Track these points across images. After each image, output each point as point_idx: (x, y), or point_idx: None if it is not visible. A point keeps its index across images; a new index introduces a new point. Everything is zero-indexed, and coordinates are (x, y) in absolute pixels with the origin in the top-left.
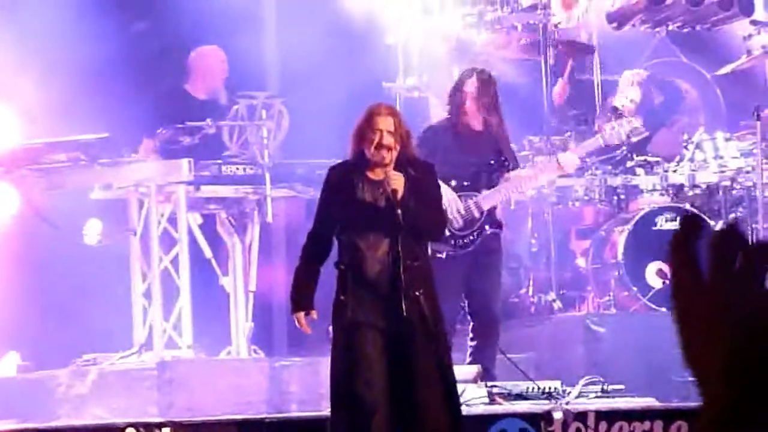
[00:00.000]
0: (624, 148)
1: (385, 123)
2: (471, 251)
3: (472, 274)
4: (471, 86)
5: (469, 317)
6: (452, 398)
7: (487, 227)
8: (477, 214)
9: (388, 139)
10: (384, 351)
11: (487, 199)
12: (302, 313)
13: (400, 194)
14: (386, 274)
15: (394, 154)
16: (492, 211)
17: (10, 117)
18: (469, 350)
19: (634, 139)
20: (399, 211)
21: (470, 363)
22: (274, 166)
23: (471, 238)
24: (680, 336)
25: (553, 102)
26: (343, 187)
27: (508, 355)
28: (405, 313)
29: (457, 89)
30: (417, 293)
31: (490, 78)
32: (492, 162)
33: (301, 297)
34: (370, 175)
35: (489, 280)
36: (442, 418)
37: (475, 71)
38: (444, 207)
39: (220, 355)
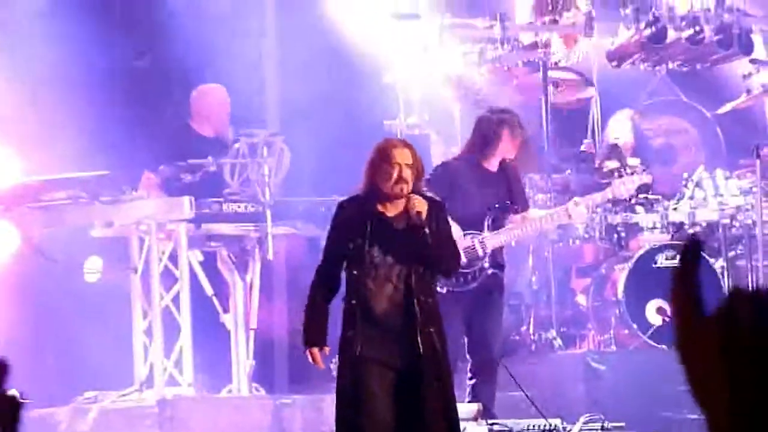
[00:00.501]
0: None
1: (403, 156)
2: (472, 290)
3: (473, 312)
4: (506, 128)
5: (468, 356)
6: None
7: (488, 266)
8: (480, 253)
9: (407, 172)
10: (391, 388)
11: (492, 239)
12: (316, 349)
13: (424, 216)
14: (395, 310)
15: (410, 187)
16: (496, 251)
17: (9, 155)
18: (468, 388)
19: (641, 196)
20: (427, 231)
21: (470, 401)
22: (275, 203)
23: (472, 276)
24: (684, 369)
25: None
26: (354, 222)
27: (511, 392)
28: (420, 350)
29: (491, 128)
30: (430, 329)
31: (520, 122)
32: (503, 203)
33: (314, 332)
34: (381, 209)
35: (489, 319)
36: None
37: (509, 114)
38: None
39: (222, 392)
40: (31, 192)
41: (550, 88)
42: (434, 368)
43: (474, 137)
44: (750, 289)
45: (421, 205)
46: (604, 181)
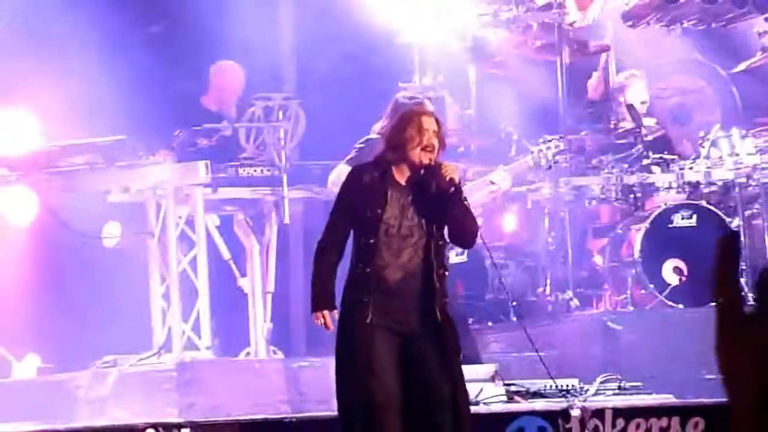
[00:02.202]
0: (639, 146)
1: (430, 123)
2: None
3: None
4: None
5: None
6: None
7: None
8: None
9: (434, 140)
10: (400, 357)
11: None
12: (326, 311)
13: (403, 179)
14: (411, 280)
15: (435, 156)
16: None
17: (27, 120)
18: None
19: (657, 156)
20: (464, 197)
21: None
22: (291, 167)
23: None
24: (720, 361)
25: (588, 95)
26: (371, 189)
27: (528, 353)
28: (439, 319)
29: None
30: (446, 300)
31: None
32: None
33: (323, 296)
34: (399, 177)
35: None
36: (455, 423)
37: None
38: None
39: (239, 355)
40: (48, 158)
41: (565, 49)
42: (453, 338)
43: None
44: None
45: (453, 172)
46: (620, 141)
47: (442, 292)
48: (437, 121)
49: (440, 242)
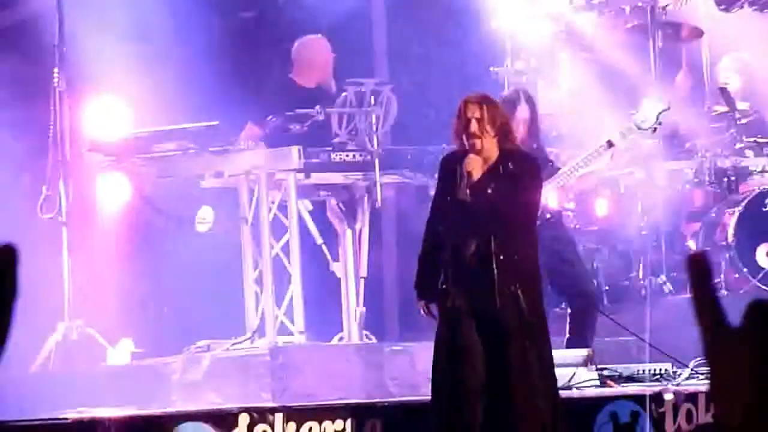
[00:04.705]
0: (733, 130)
1: (472, 111)
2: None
3: (547, 263)
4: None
5: (565, 305)
6: (550, 391)
7: (544, 213)
8: None
9: (474, 127)
10: (481, 341)
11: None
12: (424, 302)
13: (474, 177)
14: (478, 267)
15: (485, 143)
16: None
17: (120, 108)
18: (566, 337)
19: (750, 139)
20: (467, 192)
21: (568, 341)
22: (383, 152)
23: None
24: (711, 373)
25: (677, 93)
26: (450, 176)
27: (622, 338)
28: (498, 307)
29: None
30: (513, 288)
31: (528, 99)
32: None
33: (424, 285)
34: (469, 165)
35: (567, 265)
36: (539, 410)
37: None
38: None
39: (332, 340)
40: (141, 144)
41: (658, 32)
42: (519, 325)
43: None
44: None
45: (471, 165)
46: (714, 125)
47: (507, 280)
48: (487, 108)
49: (503, 228)
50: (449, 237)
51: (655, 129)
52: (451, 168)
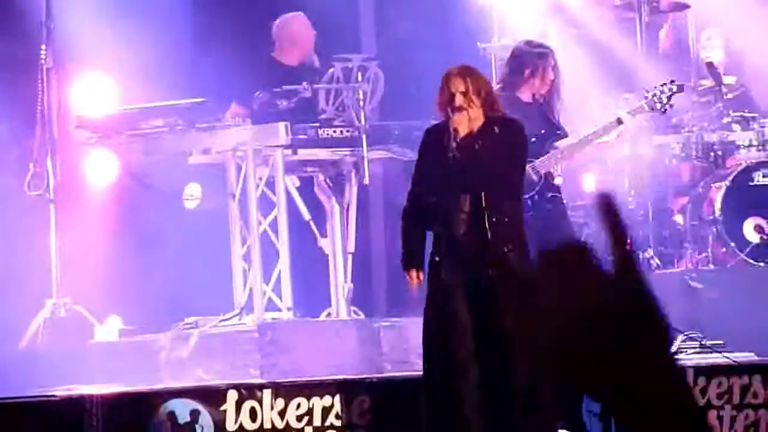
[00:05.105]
0: (720, 104)
1: (456, 84)
2: (535, 216)
3: (541, 238)
4: (540, 62)
5: None
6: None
7: (547, 192)
8: (535, 178)
9: (460, 100)
10: (473, 312)
11: (543, 163)
12: (414, 271)
13: (461, 134)
14: (471, 233)
15: (472, 113)
16: (548, 175)
17: (107, 84)
18: None
19: (737, 113)
20: (453, 145)
21: None
22: (370, 127)
23: (530, 200)
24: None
25: (659, 47)
26: (433, 148)
27: None
28: (491, 270)
29: (526, 60)
30: (506, 249)
31: (551, 51)
32: (543, 131)
33: (410, 255)
34: (455, 136)
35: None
36: (529, 379)
37: (545, 49)
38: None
39: (320, 316)
40: (129, 120)
41: (644, 7)
42: (512, 288)
43: (508, 69)
44: None
45: (457, 122)
46: (700, 99)
47: (500, 242)
48: (471, 80)
49: (490, 192)
50: (439, 206)
51: (665, 110)
52: (435, 138)
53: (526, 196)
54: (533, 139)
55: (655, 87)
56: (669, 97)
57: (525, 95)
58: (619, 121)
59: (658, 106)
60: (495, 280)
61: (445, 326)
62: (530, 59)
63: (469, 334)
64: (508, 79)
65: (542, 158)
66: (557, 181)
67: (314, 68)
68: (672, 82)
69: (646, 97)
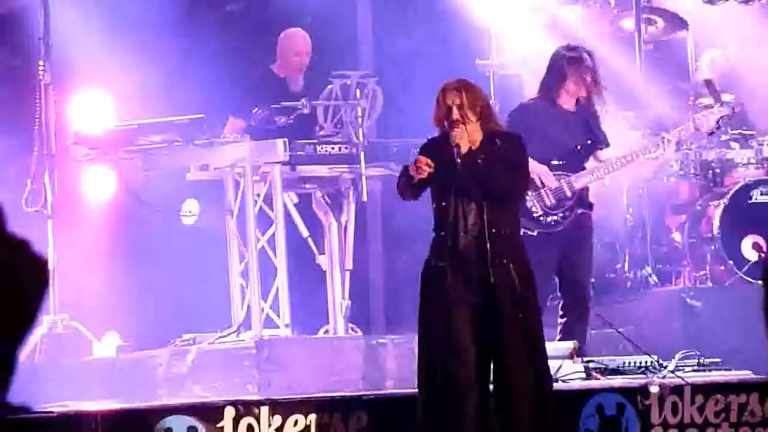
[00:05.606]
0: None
1: (452, 98)
2: (562, 231)
3: (564, 252)
4: (573, 65)
5: (559, 294)
6: (541, 370)
7: (577, 206)
8: (569, 194)
9: (456, 114)
10: (474, 325)
11: (579, 179)
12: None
13: (463, 149)
14: (473, 243)
15: (468, 128)
16: (583, 191)
17: (105, 100)
18: (560, 327)
19: (735, 131)
20: (458, 161)
21: (560, 340)
22: (368, 144)
23: (561, 216)
24: None
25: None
26: (436, 156)
27: (613, 330)
28: (492, 281)
29: (557, 67)
30: (504, 261)
31: (591, 55)
32: (585, 142)
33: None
34: (453, 149)
35: (581, 258)
36: (531, 391)
37: (578, 51)
38: (531, 177)
39: (318, 333)
40: (127, 136)
41: (643, 26)
42: (512, 301)
43: (545, 75)
44: None
45: (457, 137)
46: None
47: (499, 254)
48: (466, 94)
49: (493, 204)
50: (444, 215)
51: (712, 133)
52: (432, 152)
53: (558, 210)
54: (575, 148)
55: (704, 107)
56: (717, 120)
57: (566, 103)
58: (663, 140)
59: (704, 127)
60: (496, 289)
61: (446, 346)
62: (562, 63)
63: (470, 350)
64: (545, 86)
65: (580, 174)
66: (590, 198)
67: (313, 84)
68: (721, 104)
69: (693, 119)
